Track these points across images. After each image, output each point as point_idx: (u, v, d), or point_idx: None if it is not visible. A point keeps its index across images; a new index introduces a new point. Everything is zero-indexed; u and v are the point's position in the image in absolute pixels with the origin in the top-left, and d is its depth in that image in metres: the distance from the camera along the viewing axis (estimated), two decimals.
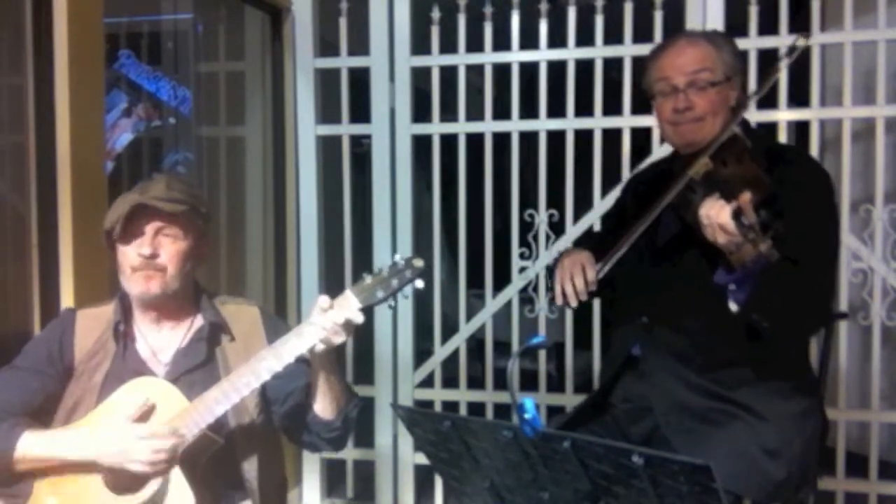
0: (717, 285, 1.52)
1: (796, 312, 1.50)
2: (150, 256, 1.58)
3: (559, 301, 1.65)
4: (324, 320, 1.49)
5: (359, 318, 1.51)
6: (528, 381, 3.01)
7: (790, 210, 1.50)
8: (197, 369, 1.63)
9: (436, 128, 2.99)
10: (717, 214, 1.40)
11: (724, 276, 1.50)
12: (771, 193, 1.41)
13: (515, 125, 2.93)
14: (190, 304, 1.70)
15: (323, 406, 1.59)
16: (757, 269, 1.42)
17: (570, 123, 2.87)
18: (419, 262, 1.54)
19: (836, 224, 1.66)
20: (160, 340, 1.67)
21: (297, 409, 1.64)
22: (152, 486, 1.50)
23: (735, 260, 1.43)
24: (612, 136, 2.85)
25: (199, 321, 1.69)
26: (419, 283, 1.53)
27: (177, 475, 1.50)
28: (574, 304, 1.65)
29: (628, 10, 2.79)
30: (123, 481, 1.53)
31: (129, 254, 1.59)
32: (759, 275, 1.43)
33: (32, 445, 1.50)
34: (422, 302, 3.08)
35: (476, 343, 3.11)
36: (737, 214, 1.37)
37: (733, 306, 1.50)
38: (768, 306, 1.47)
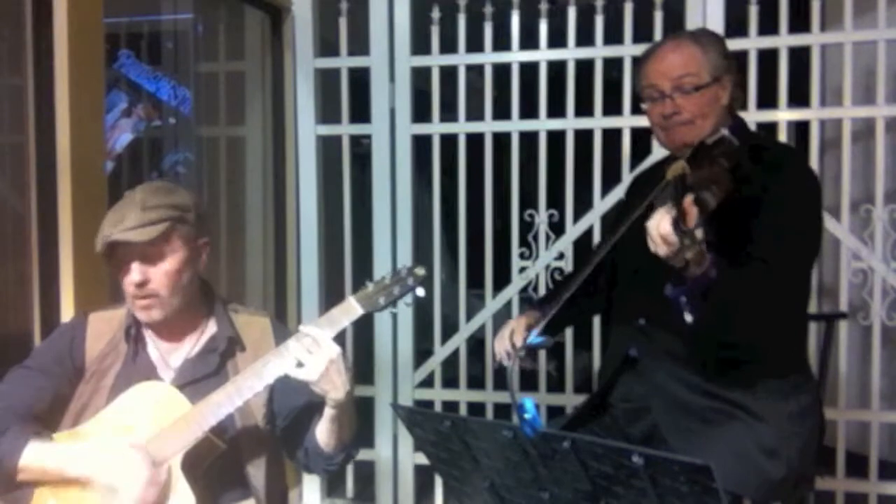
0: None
1: (745, 323, 1.50)
2: (141, 284, 1.55)
3: (497, 357, 1.84)
4: (321, 321, 1.50)
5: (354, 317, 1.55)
6: (528, 381, 3.02)
7: (763, 212, 1.50)
8: (206, 379, 1.62)
9: (436, 128, 2.99)
10: (656, 224, 1.36)
11: (672, 290, 1.47)
12: (731, 199, 1.37)
13: (515, 125, 2.93)
14: (199, 311, 1.67)
15: (327, 441, 1.58)
16: (704, 283, 1.40)
17: (570, 123, 2.87)
18: (421, 271, 1.56)
19: (812, 231, 1.62)
20: (170, 346, 1.66)
21: (297, 428, 1.64)
22: None
23: (681, 271, 1.41)
24: (612, 136, 2.85)
25: (211, 327, 1.68)
26: (420, 291, 1.57)
27: (178, 478, 1.50)
28: (507, 363, 1.76)
29: (628, 10, 2.79)
30: None
31: (123, 282, 1.57)
32: (705, 288, 1.41)
33: (34, 458, 1.49)
34: (422, 302, 3.07)
35: (476, 343, 3.11)
36: (676, 222, 1.33)
37: (688, 317, 1.49)
38: (715, 320, 1.47)
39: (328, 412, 1.54)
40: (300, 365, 1.48)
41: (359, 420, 1.65)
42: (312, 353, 1.48)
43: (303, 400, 1.63)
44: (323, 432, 1.58)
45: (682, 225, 1.32)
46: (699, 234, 1.34)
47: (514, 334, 1.81)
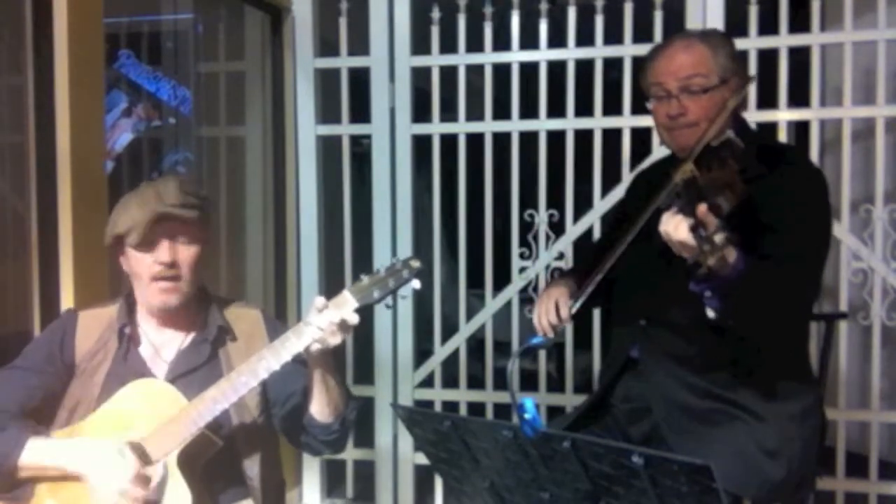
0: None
1: (771, 319, 1.49)
2: (170, 265, 1.58)
3: (539, 333, 1.74)
4: (320, 320, 1.50)
5: (354, 319, 1.52)
6: (528, 381, 3.01)
7: (776, 211, 1.50)
8: (199, 369, 1.64)
9: (436, 128, 2.99)
10: (674, 231, 1.37)
11: (697, 285, 1.47)
12: (744, 201, 1.37)
13: (515, 125, 2.93)
14: (196, 305, 1.70)
15: (320, 408, 1.59)
16: (732, 277, 1.41)
17: (570, 123, 2.87)
18: (416, 263, 1.54)
19: (825, 228, 1.63)
20: (164, 338, 1.67)
21: (297, 411, 1.64)
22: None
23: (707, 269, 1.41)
24: (612, 136, 2.85)
25: (203, 320, 1.69)
26: (416, 284, 1.54)
27: (175, 474, 1.50)
28: (551, 335, 1.71)
29: (628, 10, 2.79)
30: None
31: (146, 261, 1.58)
32: (733, 282, 1.41)
33: (34, 456, 1.49)
34: (422, 302, 3.08)
35: (476, 343, 3.11)
36: (695, 227, 1.33)
37: (710, 313, 1.49)
38: (742, 314, 1.46)
39: (315, 375, 1.56)
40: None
41: (347, 388, 1.67)
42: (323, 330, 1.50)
43: (298, 384, 1.64)
44: (315, 402, 1.59)
45: (702, 231, 1.32)
46: (719, 238, 1.33)
47: (560, 307, 1.71)
